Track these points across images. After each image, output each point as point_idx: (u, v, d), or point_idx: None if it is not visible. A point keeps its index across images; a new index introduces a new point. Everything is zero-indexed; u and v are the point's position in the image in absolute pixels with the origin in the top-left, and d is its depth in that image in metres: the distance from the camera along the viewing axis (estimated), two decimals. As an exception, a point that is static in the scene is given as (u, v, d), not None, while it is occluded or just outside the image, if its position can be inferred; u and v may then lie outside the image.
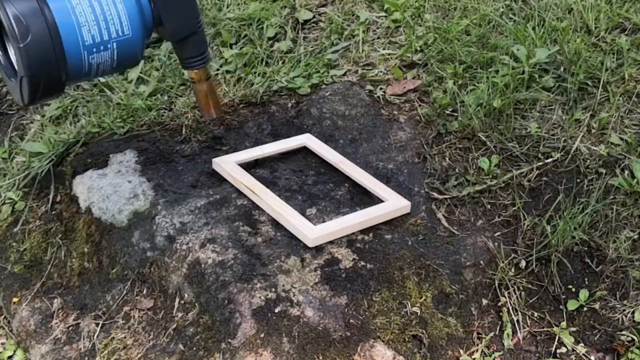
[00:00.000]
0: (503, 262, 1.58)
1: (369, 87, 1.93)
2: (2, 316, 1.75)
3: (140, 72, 2.03)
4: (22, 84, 1.35)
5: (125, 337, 1.53)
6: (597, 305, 1.56)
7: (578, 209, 1.61)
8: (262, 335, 1.38)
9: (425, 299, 1.50)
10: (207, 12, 2.18)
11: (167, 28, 1.46)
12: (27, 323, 1.66)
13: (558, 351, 1.53)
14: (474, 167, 1.73)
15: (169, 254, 1.54)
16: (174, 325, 1.48)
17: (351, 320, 1.42)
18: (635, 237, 1.61)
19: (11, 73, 1.41)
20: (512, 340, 1.54)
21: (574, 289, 1.58)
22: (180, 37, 1.49)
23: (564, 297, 1.58)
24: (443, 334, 1.49)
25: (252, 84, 1.95)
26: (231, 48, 2.07)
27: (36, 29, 1.29)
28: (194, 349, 1.43)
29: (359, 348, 1.40)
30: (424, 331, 1.46)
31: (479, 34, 1.98)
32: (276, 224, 1.57)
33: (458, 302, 1.53)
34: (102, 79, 2.03)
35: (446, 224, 1.63)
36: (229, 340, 1.39)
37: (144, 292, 1.56)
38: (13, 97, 1.48)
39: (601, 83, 1.83)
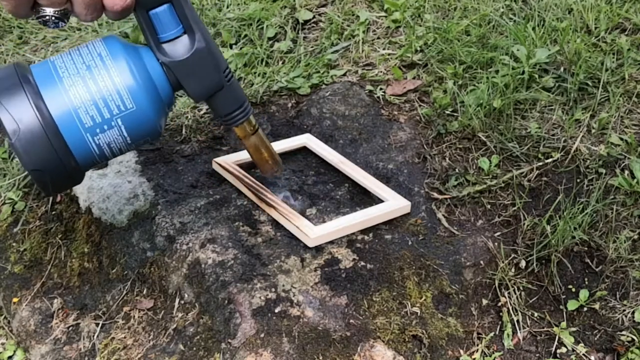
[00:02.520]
0: (503, 262, 1.58)
1: (369, 87, 1.93)
2: (2, 316, 1.75)
3: (140, 72, 2.03)
4: (32, 177, 1.26)
5: (125, 337, 1.53)
6: (597, 305, 1.56)
7: (578, 209, 1.61)
8: (262, 335, 1.38)
9: (425, 299, 1.50)
10: (207, 12, 2.18)
11: (186, 91, 1.31)
12: (27, 323, 1.66)
13: (558, 351, 1.53)
14: (474, 167, 1.73)
15: (169, 254, 1.54)
16: (174, 325, 1.48)
17: (351, 320, 1.42)
18: (635, 237, 1.61)
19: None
20: (512, 340, 1.54)
21: (574, 289, 1.58)
22: (205, 97, 1.33)
23: (564, 297, 1.58)
24: (443, 334, 1.49)
25: (252, 84, 1.95)
26: (231, 48, 2.07)
27: (26, 121, 1.19)
28: (194, 349, 1.43)
29: (359, 348, 1.40)
30: (424, 331, 1.46)
31: (479, 34, 1.98)
32: (276, 224, 1.57)
33: (458, 302, 1.53)
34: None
35: (446, 224, 1.63)
36: (229, 340, 1.39)
37: (144, 292, 1.56)
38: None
39: (601, 83, 1.83)
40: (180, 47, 1.28)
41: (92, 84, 1.23)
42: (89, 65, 1.24)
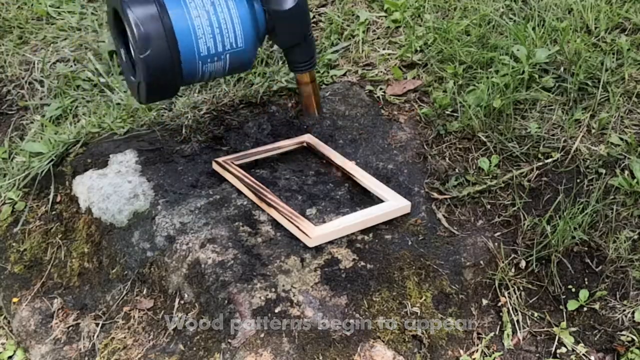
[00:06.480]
0: (503, 262, 1.58)
1: (369, 87, 1.93)
2: (2, 316, 1.75)
3: (140, 72, 2.03)
4: (140, 86, 1.47)
5: (125, 337, 1.53)
6: (597, 306, 1.56)
7: (578, 209, 1.61)
8: (262, 335, 1.38)
9: (425, 299, 1.50)
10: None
11: (278, 38, 1.59)
12: (27, 323, 1.66)
13: (558, 351, 1.53)
14: (474, 167, 1.73)
15: (169, 254, 1.54)
16: (174, 325, 1.48)
17: (351, 320, 1.42)
18: (635, 237, 1.61)
19: (131, 72, 1.52)
20: (512, 340, 1.54)
21: (573, 289, 1.58)
22: (288, 45, 1.62)
23: (563, 297, 1.58)
24: (443, 334, 1.49)
25: (252, 84, 1.95)
26: (231, 48, 2.07)
27: (156, 42, 1.40)
28: (194, 349, 1.43)
29: (359, 348, 1.40)
30: (424, 331, 1.46)
31: (479, 34, 1.98)
32: (276, 224, 1.57)
33: (458, 302, 1.53)
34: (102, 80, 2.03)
35: (446, 224, 1.63)
36: (229, 340, 1.39)
37: (144, 292, 1.56)
38: (130, 92, 1.60)
39: (601, 83, 1.83)
40: (284, 0, 1.52)
41: (214, 19, 1.45)
42: (213, 2, 1.46)
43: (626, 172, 1.68)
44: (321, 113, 1.78)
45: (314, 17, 2.16)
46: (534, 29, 1.96)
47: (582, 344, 1.53)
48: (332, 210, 1.62)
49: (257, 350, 1.36)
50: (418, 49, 1.99)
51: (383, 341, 1.42)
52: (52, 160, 1.81)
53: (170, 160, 1.74)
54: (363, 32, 2.07)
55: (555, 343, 1.54)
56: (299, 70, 1.68)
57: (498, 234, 1.63)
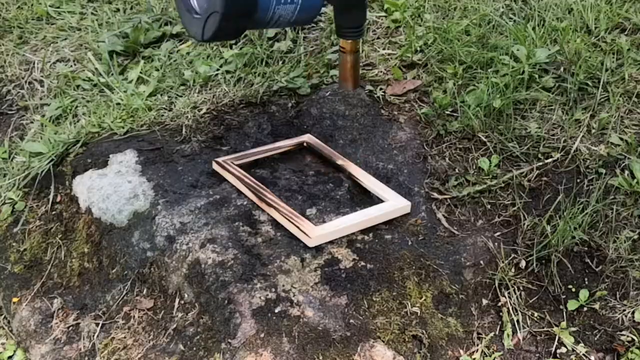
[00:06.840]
0: (503, 262, 1.58)
1: (369, 87, 1.93)
2: (2, 316, 1.75)
3: (140, 72, 2.03)
4: (210, 20, 1.42)
5: (125, 337, 1.53)
6: (597, 305, 1.55)
7: (578, 209, 1.61)
8: (262, 335, 1.38)
9: (425, 299, 1.50)
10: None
11: None
12: (27, 323, 1.66)
13: (558, 351, 1.53)
14: (474, 167, 1.73)
15: (169, 254, 1.54)
16: (174, 325, 1.48)
17: (351, 320, 1.42)
18: (635, 237, 1.61)
19: (192, 9, 1.51)
20: (512, 340, 1.54)
21: (574, 289, 1.58)
22: (347, 5, 1.59)
23: (564, 297, 1.58)
24: (443, 334, 1.49)
25: (252, 84, 1.95)
26: (231, 48, 2.07)
27: None
28: (194, 349, 1.43)
29: (359, 348, 1.40)
30: (424, 331, 1.46)
31: (479, 34, 1.98)
32: (276, 224, 1.57)
33: (458, 302, 1.53)
34: (101, 79, 2.03)
35: (446, 224, 1.63)
36: (229, 340, 1.39)
37: (144, 292, 1.56)
38: (188, 31, 1.56)
39: (601, 83, 1.83)
40: None
41: None
42: None
43: (626, 172, 1.68)
44: (357, 87, 1.76)
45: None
46: (534, 29, 1.96)
47: (582, 344, 1.53)
48: (332, 210, 1.62)
49: (257, 350, 1.36)
50: (418, 49, 1.99)
51: (383, 341, 1.42)
52: (52, 160, 1.81)
53: (170, 160, 1.74)
54: (363, 32, 2.07)
55: (555, 343, 1.54)
56: (346, 36, 1.65)
57: (498, 233, 1.63)
